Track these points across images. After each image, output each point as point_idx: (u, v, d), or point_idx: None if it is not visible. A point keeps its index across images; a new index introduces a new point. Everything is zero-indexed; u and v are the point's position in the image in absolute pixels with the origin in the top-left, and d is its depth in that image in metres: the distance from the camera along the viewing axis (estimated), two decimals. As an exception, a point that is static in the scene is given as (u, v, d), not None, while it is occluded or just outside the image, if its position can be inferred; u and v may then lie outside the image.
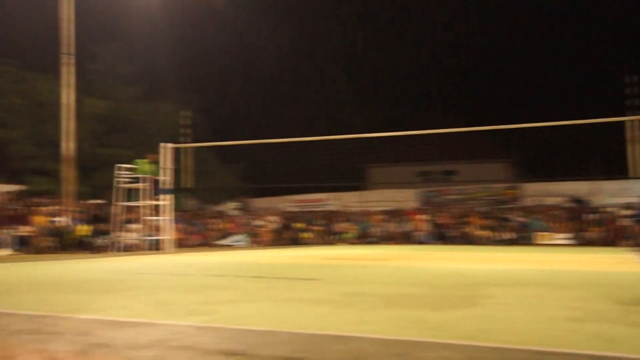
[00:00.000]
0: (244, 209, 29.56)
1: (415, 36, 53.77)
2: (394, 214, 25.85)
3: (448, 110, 45.39)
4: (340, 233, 24.95)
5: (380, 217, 25.70)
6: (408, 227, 24.65)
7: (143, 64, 30.20)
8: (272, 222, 25.25)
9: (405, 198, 29.01)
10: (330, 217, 26.70)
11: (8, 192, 21.13)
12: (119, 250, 16.55)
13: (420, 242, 23.38)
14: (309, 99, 43.84)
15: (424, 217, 24.87)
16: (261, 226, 24.62)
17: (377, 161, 36.74)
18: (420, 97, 49.40)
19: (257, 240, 23.26)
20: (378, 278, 7.46)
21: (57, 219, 17.63)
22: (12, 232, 15.93)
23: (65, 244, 16.56)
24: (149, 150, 17.89)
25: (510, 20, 58.12)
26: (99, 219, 18.16)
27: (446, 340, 3.28)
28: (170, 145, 17.44)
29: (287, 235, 24.62)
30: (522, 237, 22.34)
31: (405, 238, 24.13)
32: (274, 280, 7.10)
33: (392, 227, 24.91)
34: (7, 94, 25.33)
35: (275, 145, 20.80)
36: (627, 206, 14.68)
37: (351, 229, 25.12)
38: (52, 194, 22.54)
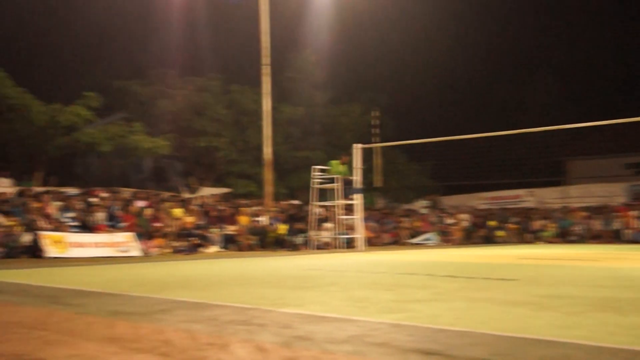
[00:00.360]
0: (434, 207, 29.27)
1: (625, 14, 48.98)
2: (599, 211, 23.81)
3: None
4: (538, 231, 23.62)
5: (583, 213, 23.84)
6: (616, 224, 22.56)
7: (331, 68, 31.33)
8: (463, 220, 24.68)
9: (612, 193, 26.57)
10: (527, 214, 25.38)
11: (215, 195, 23.25)
12: (313, 248, 17.33)
13: (631, 241, 21.26)
14: (499, 91, 42.09)
15: (634, 213, 22.58)
16: (452, 224, 24.19)
17: (578, 153, 34.18)
18: (628, 82, 44.91)
19: (447, 238, 22.90)
20: (583, 280, 6.92)
21: (258, 218, 18.97)
22: (220, 230, 17.46)
23: (265, 242, 17.75)
24: (341, 151, 18.53)
25: None
26: (295, 218, 19.19)
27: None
28: (360, 145, 17.87)
29: (479, 233, 23.91)
30: None
31: (613, 236, 22.11)
32: (468, 280, 6.92)
33: (597, 224, 22.97)
34: (215, 105, 27.89)
35: (465, 141, 20.31)
36: None
37: (550, 226, 23.65)
38: (254, 195, 24.36)
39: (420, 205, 30.18)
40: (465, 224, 24.57)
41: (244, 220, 18.57)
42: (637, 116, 15.09)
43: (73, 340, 3.33)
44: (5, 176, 19.05)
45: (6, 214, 13.97)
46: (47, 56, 28.35)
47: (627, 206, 23.81)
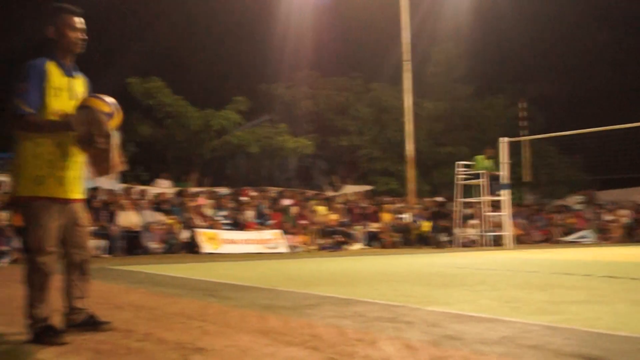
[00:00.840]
0: (590, 203, 27.37)
1: None
2: None
3: None
4: None
5: None
6: None
7: (474, 60, 30.34)
8: (623, 217, 22.84)
9: None
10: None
11: (358, 192, 23.52)
12: (459, 246, 16.96)
13: None
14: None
15: None
16: (610, 221, 22.49)
17: None
18: None
19: (605, 236, 21.31)
20: None
21: (401, 215, 18.91)
22: (363, 228, 17.62)
23: (409, 239, 17.63)
24: (485, 146, 17.94)
25: None
26: (439, 215, 18.88)
27: None
28: (506, 139, 17.19)
29: (642, 231, 22.00)
30: None
31: None
32: (630, 281, 6.40)
33: None
34: (356, 104, 28.25)
35: (623, 130, 18.76)
36: None
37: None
38: (396, 192, 24.33)
39: (574, 200, 28.34)
40: (625, 220, 22.72)
41: (387, 217, 18.61)
42: None
43: (229, 332, 3.54)
44: (165, 178, 20.64)
45: (166, 212, 15.13)
46: (199, 65, 30.37)
47: None
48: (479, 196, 17.11)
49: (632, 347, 2.98)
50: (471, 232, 18.02)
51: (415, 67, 22.00)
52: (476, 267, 8.85)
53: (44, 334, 3.27)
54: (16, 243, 10.69)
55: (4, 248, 11.26)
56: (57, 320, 3.47)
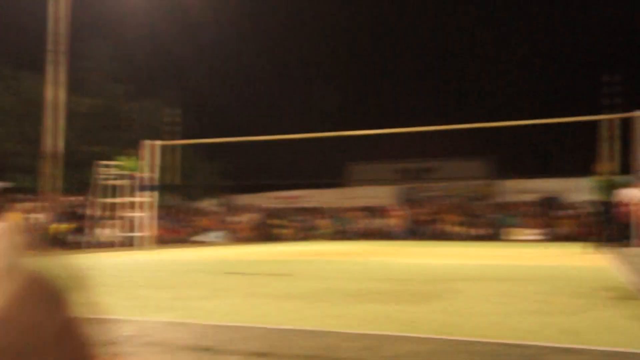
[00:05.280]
0: (224, 206, 29.48)
1: (397, 33, 53.84)
2: (372, 211, 25.99)
3: (427, 108, 45.60)
4: (318, 229, 25.02)
5: (358, 213, 25.82)
6: (385, 223, 24.82)
7: (131, 62, 29.95)
8: (250, 219, 25.23)
9: (384, 195, 29.15)
10: (309, 213, 26.75)
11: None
12: (94, 247, 16.43)
13: (397, 238, 23.57)
14: (294, 96, 43.75)
15: (400, 213, 25.07)
16: (240, 222, 24.59)
17: (357, 158, 36.93)
18: (400, 95, 49.62)
19: (235, 236, 23.23)
20: (351, 274, 7.54)
21: (32, 215, 17.44)
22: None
23: (44, 240, 16.38)
24: (134, 147, 17.80)
25: (487, 18, 58.50)
26: (77, 216, 18.00)
27: (414, 334, 3.35)
28: (154, 142, 17.34)
29: (265, 231, 24.63)
30: (495, 233, 22.64)
31: (382, 234, 24.29)
32: (248, 277, 7.14)
33: (370, 223, 25.06)
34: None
35: (258, 142, 20.77)
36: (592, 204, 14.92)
37: (328, 225, 25.21)
38: (33, 190, 22.29)
39: (211, 203, 30.17)
40: (252, 222, 25.14)
41: (16, 217, 16.91)
42: (404, 127, 16.83)
43: None
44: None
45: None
46: None
47: (394, 207, 26.30)
48: (120, 197, 16.88)
49: (240, 335, 3.35)
50: (108, 233, 17.64)
51: (70, 61, 20.57)
52: (106, 269, 8.73)
53: None
54: None
55: None
56: None
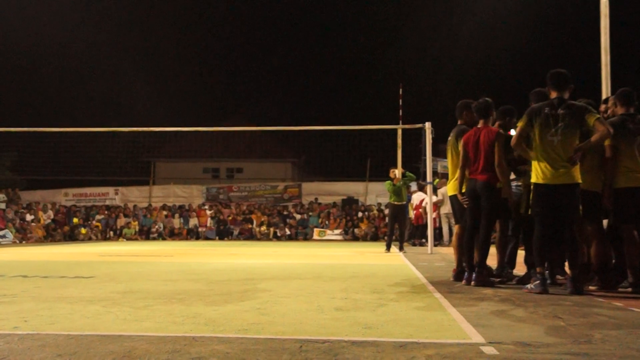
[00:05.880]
0: (12, 202, 26.83)
1: (206, 34, 53.50)
2: (179, 210, 25.50)
3: (237, 108, 45.98)
4: (121, 229, 23.92)
5: (164, 212, 25.17)
6: (192, 223, 24.50)
7: None
8: (44, 217, 23.32)
9: (191, 194, 28.69)
10: (112, 212, 25.45)
11: None
12: None
13: (204, 238, 23.41)
14: (95, 89, 41.29)
15: (208, 213, 24.92)
16: (32, 221, 22.60)
17: (164, 156, 35.91)
18: (210, 94, 49.35)
19: (26, 236, 21.29)
20: (156, 275, 7.34)
21: None
22: None
23: None
24: None
25: (293, 29, 60.70)
26: None
27: (220, 334, 3.37)
28: None
29: (61, 230, 22.94)
30: (301, 233, 23.51)
31: (189, 234, 23.96)
32: (42, 280, 6.61)
33: (176, 223, 24.55)
34: None
35: (51, 134, 19.25)
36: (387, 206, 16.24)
37: (133, 224, 24.22)
38: None
39: (-5, 199, 27.30)
40: (47, 220, 23.27)
41: None
42: (213, 126, 16.79)
43: None
44: None
45: None
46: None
47: (202, 206, 26.08)
48: None
49: (31, 344, 3.10)
50: None
51: None
52: None
53: None
54: None
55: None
56: None
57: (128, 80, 41.50)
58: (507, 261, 6.47)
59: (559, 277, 6.04)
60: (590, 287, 5.59)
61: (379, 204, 24.29)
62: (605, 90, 8.64)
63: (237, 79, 51.62)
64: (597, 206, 5.71)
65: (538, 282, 5.40)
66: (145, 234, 23.84)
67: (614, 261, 5.81)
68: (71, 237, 22.81)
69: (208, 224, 24.37)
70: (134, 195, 28.70)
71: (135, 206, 26.07)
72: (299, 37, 60.20)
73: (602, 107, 6.16)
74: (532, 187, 5.57)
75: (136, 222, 24.46)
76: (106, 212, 25.47)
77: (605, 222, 5.92)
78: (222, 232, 23.80)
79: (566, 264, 5.82)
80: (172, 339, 3.25)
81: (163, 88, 43.79)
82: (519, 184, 6.32)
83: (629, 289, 5.48)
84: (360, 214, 24.09)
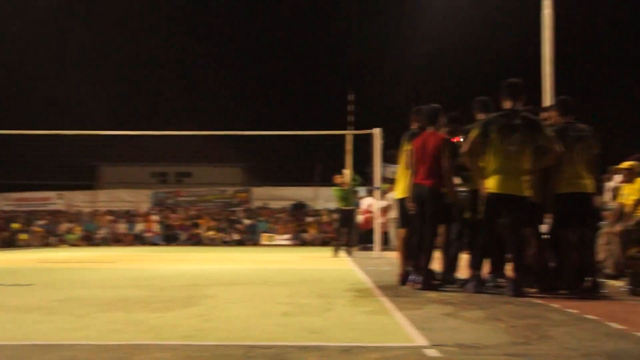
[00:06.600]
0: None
1: (154, 36, 52.71)
2: (125, 215, 24.97)
3: (185, 112, 45.41)
4: (64, 234, 23.26)
5: (109, 217, 24.60)
6: (138, 228, 24.03)
7: None
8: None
9: (138, 199, 28.17)
10: (54, 217, 24.72)
11: None
12: None
13: (150, 244, 22.99)
14: (37, 89, 40.04)
15: (155, 218, 24.50)
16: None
17: (109, 160, 35.12)
18: (159, 98, 48.61)
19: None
20: (98, 281, 7.16)
21: None
22: None
23: None
24: None
25: (243, 32, 60.52)
26: None
27: (163, 341, 3.32)
28: None
29: (1, 237, 22.13)
30: (249, 238, 23.38)
31: (135, 239, 23.49)
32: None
33: (122, 228, 24.04)
34: None
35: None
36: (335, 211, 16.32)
37: (76, 230, 23.59)
38: None
39: None
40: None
41: None
42: (160, 130, 16.54)
43: None
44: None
45: None
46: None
47: (149, 211, 25.63)
48: None
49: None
50: None
51: None
52: None
53: None
54: None
55: None
56: None
57: (72, 81, 40.40)
58: (451, 265, 6.59)
59: (500, 280, 6.18)
60: (530, 290, 5.75)
61: (326, 209, 24.39)
62: (549, 100, 8.94)
63: (187, 83, 51.03)
64: (536, 212, 5.89)
65: (474, 283, 5.64)
66: (89, 240, 23.24)
67: (553, 265, 5.99)
68: (10, 243, 22.04)
69: (155, 229, 23.94)
70: (78, 200, 27.98)
71: (79, 211, 25.40)
72: (249, 41, 60.01)
73: (544, 115, 6.35)
74: (487, 194, 5.65)
75: (80, 228, 23.82)
76: (48, 217, 24.72)
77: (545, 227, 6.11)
78: (169, 238, 23.44)
79: (509, 267, 5.97)
80: (113, 347, 3.17)
81: (109, 90, 42.88)
82: (464, 189, 6.44)
83: (566, 292, 5.66)
84: (309, 219, 24.13)
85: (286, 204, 26.38)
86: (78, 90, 40.16)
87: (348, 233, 13.82)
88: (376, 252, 13.26)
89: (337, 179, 13.48)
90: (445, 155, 6.02)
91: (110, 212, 25.25)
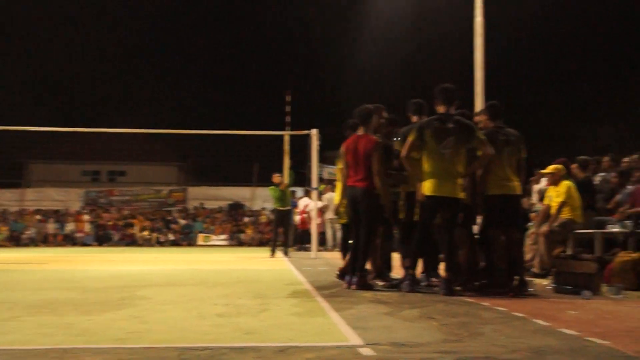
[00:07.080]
0: None
1: (90, 30, 51.19)
2: (54, 214, 24.12)
3: (120, 109, 44.29)
4: (-12, 235, 22.26)
5: (38, 217, 23.70)
6: (69, 228, 23.26)
7: None
8: None
9: (68, 198, 27.25)
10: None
11: None
12: None
13: (82, 244, 22.29)
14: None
15: (86, 217, 23.77)
16: None
17: (38, 157, 33.82)
18: (90, 94, 47.20)
19: None
20: (26, 283, 6.89)
21: None
22: None
23: None
24: None
25: (182, 30, 59.59)
26: None
27: (95, 345, 3.24)
28: None
29: None
30: (185, 239, 23.03)
31: (66, 240, 22.72)
32: None
33: (51, 228, 23.20)
34: None
35: None
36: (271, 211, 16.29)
37: (2, 229, 22.61)
38: None
39: None
40: None
41: None
42: (94, 127, 16.08)
43: None
44: None
45: None
46: None
47: (80, 211, 24.85)
48: None
49: None
50: None
51: None
52: None
53: None
54: None
55: None
56: None
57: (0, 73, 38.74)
58: (385, 265, 6.70)
59: (434, 279, 6.34)
60: (461, 289, 5.93)
61: (264, 209, 24.31)
62: (480, 105, 9.24)
63: (121, 79, 49.73)
64: (467, 213, 6.07)
65: (408, 282, 5.77)
66: (15, 240, 22.31)
67: (483, 264, 6.19)
68: None
69: (86, 229, 23.24)
70: (5, 199, 26.82)
71: (5, 210, 24.35)
72: (188, 38, 59.13)
73: (476, 118, 6.55)
74: (424, 196, 5.77)
75: (6, 228, 22.83)
76: (-29, 216, 23.62)
77: (475, 227, 6.31)
78: (102, 238, 22.80)
79: (441, 267, 6.13)
80: (41, 351, 3.07)
81: (40, 84, 41.32)
82: (398, 190, 6.55)
83: (495, 290, 5.86)
84: (246, 219, 23.99)
85: (223, 204, 26.13)
86: (5, 83, 38.53)
87: (285, 233, 13.82)
88: (313, 252, 13.32)
89: (276, 178, 13.46)
90: (377, 158, 6.09)
91: (38, 211, 24.32)
